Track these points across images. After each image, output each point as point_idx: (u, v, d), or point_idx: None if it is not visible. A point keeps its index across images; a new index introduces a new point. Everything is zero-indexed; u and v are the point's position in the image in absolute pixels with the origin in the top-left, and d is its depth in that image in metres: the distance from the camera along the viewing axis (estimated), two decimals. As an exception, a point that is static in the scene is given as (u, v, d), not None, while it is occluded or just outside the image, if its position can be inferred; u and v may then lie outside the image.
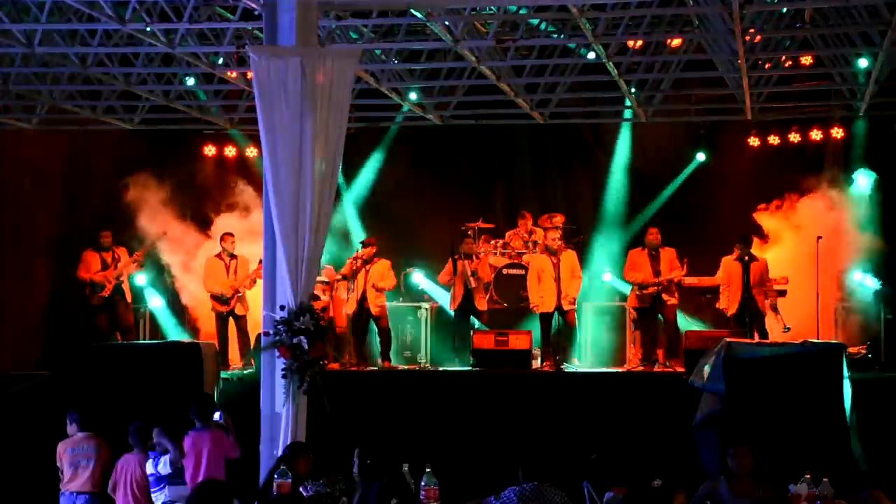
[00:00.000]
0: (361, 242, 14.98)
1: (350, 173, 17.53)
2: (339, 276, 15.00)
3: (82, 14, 12.29)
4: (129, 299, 15.06)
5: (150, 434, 9.37)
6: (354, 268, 14.62)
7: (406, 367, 14.67)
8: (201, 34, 13.14)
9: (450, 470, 8.49)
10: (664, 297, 14.10)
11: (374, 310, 14.49)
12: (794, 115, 16.14)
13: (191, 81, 15.39)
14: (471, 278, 14.61)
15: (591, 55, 14.02)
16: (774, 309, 14.05)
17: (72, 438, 10.01)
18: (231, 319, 14.75)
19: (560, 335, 14.34)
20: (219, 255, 14.90)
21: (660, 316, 14.20)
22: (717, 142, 17.14)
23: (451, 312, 15.10)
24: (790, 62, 14.86)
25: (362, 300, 14.48)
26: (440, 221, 17.84)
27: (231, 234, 14.94)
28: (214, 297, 14.74)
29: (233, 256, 14.83)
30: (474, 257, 14.86)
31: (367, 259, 14.60)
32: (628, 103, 15.82)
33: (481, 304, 14.77)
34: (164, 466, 9.15)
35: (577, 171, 17.96)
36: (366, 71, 14.22)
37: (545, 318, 14.25)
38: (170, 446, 9.14)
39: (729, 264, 14.03)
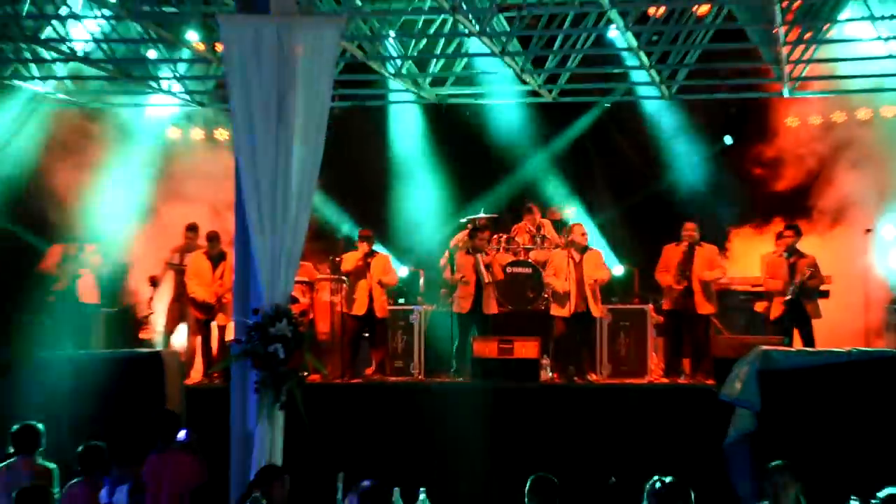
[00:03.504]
0: (360, 234, 14.82)
1: (333, 158, 17.47)
2: (339, 276, 14.88)
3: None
4: (84, 299, 15.01)
5: (102, 458, 9.29)
6: (359, 264, 14.51)
7: (397, 378, 14.62)
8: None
9: (447, 496, 8.46)
10: (699, 302, 13.95)
11: (380, 312, 14.48)
12: (838, 91, 16.08)
13: (151, 53, 15.32)
14: (485, 273, 14.51)
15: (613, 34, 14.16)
16: None
17: (7, 463, 9.86)
18: (214, 328, 14.61)
19: (575, 343, 14.25)
20: (206, 253, 14.62)
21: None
22: (749, 122, 17.11)
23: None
24: (833, 31, 14.82)
25: (371, 300, 14.44)
26: (435, 213, 17.87)
27: (216, 233, 14.74)
28: (195, 303, 14.62)
29: (221, 257, 14.58)
30: (485, 252, 14.79)
31: (369, 253, 14.55)
32: (648, 79, 15.76)
33: (489, 306, 14.62)
34: (119, 497, 9.08)
35: (591, 157, 17.94)
36: (351, 42, 14.16)
37: (559, 324, 14.19)
38: (126, 474, 9.08)
39: (772, 260, 13.92)
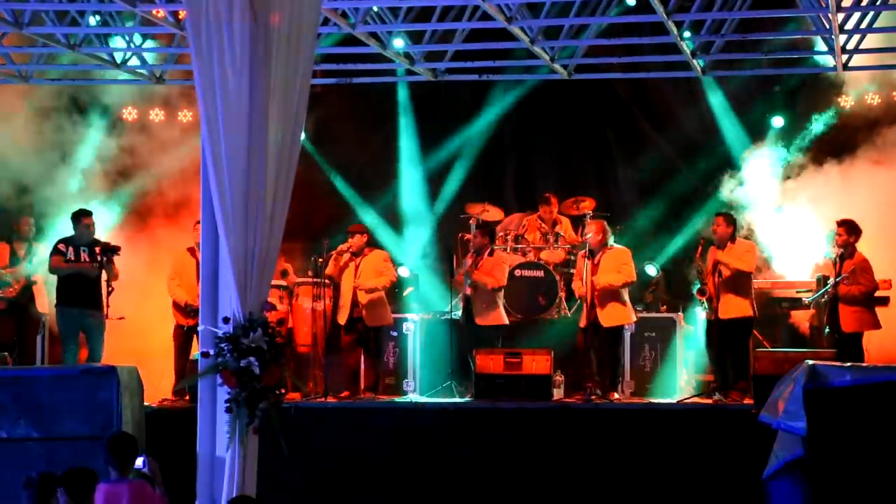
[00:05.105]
0: (349, 230, 14.80)
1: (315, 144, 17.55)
2: (323, 280, 14.92)
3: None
4: (40, 308, 15.04)
5: (50, 490, 9.30)
6: (342, 265, 14.48)
7: (389, 398, 14.66)
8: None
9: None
10: (729, 307, 13.93)
11: (370, 320, 14.42)
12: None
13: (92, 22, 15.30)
14: (461, 282, 14.52)
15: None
16: None
17: None
18: (196, 337, 14.61)
19: (594, 357, 14.27)
20: (191, 251, 14.58)
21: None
22: (797, 101, 17.13)
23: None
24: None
25: (354, 306, 14.44)
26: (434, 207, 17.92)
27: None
28: (177, 307, 14.60)
29: None
30: (472, 254, 14.74)
31: (357, 251, 14.50)
32: (680, 51, 15.79)
33: (483, 316, 14.58)
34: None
35: (612, 142, 17.97)
36: (335, 10, 14.19)
37: (579, 336, 14.21)
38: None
39: (821, 263, 14.01)
